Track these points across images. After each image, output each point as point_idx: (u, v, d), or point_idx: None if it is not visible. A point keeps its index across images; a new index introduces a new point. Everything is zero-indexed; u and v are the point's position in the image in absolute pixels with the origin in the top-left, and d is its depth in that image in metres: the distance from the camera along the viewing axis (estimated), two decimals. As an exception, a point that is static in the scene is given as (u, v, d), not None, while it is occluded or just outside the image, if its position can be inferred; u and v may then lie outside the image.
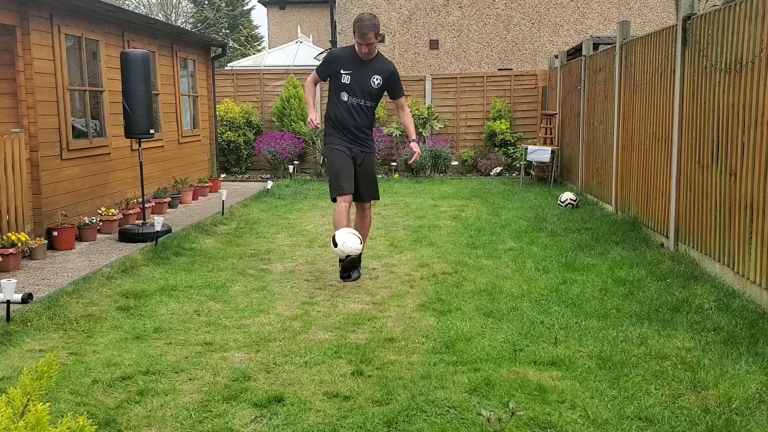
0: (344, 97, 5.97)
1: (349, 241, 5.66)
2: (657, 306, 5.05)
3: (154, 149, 10.05)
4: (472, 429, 3.23)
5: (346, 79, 5.94)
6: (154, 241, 7.49)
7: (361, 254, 6.00)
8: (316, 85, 6.36)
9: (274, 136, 14.35)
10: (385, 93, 6.16)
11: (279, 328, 4.78)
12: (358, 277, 5.95)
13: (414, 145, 6.18)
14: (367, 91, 5.97)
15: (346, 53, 6.05)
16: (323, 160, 14.36)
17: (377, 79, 5.97)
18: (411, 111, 14.76)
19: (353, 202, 6.08)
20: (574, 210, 9.58)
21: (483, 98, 15.11)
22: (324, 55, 6.09)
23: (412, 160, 6.24)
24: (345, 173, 5.92)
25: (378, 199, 6.36)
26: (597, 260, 6.51)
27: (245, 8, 37.00)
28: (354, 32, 5.85)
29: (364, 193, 6.13)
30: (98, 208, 8.33)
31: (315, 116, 6.04)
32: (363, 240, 6.05)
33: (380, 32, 5.98)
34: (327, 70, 6.12)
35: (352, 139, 6.02)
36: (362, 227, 6.19)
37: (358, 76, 5.94)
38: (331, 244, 5.78)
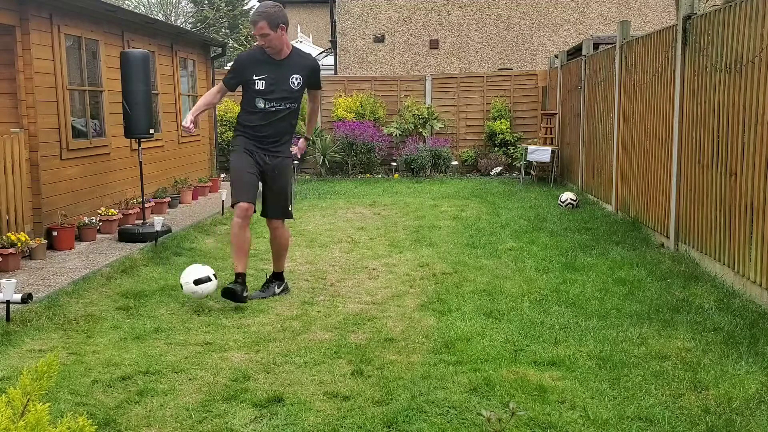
0: (260, 104, 5.29)
1: (197, 282, 5.17)
2: (657, 306, 5.05)
3: (153, 149, 10.04)
4: (472, 429, 3.22)
5: (260, 85, 5.25)
6: (153, 241, 7.49)
7: (280, 274, 5.67)
8: (220, 94, 5.54)
9: (274, 136, 14.34)
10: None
11: (279, 328, 4.78)
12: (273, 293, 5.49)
13: (302, 142, 5.72)
14: (286, 94, 5.32)
15: (257, 55, 5.34)
16: (323, 160, 14.37)
17: (297, 79, 5.33)
18: (411, 111, 14.82)
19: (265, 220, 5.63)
20: (575, 210, 9.58)
21: (483, 98, 15.11)
22: (237, 60, 5.52)
23: (295, 152, 5.63)
24: (248, 180, 5.30)
25: (289, 218, 5.66)
26: (597, 260, 6.51)
27: (245, 8, 36.99)
28: None
29: (273, 209, 5.55)
30: (98, 208, 8.33)
31: (191, 120, 5.32)
32: (280, 258, 5.68)
33: (283, 23, 5.17)
34: (237, 78, 5.40)
35: (264, 148, 5.38)
36: (276, 245, 5.66)
37: (274, 79, 5.27)
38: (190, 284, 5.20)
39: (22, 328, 4.71)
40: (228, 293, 5.21)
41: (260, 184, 5.51)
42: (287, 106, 5.34)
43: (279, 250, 5.69)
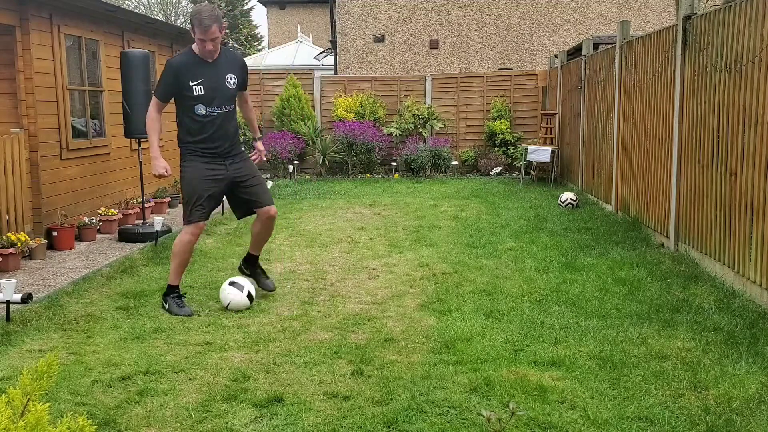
0: (200, 110, 5.08)
1: (233, 296, 5.16)
2: (657, 306, 5.05)
3: (154, 149, 10.04)
4: (472, 429, 3.23)
5: (198, 90, 5.05)
6: (153, 241, 7.49)
7: (257, 257, 5.61)
8: (161, 113, 5.26)
9: (273, 136, 14.35)
10: None
11: (279, 328, 4.78)
12: (273, 287, 5.53)
13: (259, 144, 5.61)
14: (225, 95, 5.15)
15: (188, 59, 5.11)
16: (323, 160, 14.37)
17: (232, 78, 5.19)
18: (411, 111, 14.82)
19: (256, 213, 5.49)
20: (575, 210, 9.58)
21: (483, 98, 15.11)
22: (170, 68, 5.13)
23: (257, 159, 5.57)
24: (208, 197, 5.20)
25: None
26: (597, 260, 6.50)
27: (245, 8, 37.02)
28: (193, 29, 4.99)
29: (264, 197, 5.41)
30: (98, 208, 8.33)
31: (163, 164, 5.23)
32: (261, 247, 5.67)
33: (224, 26, 5.14)
34: (172, 88, 5.12)
35: (219, 154, 5.20)
36: (268, 235, 5.63)
37: (211, 83, 5.09)
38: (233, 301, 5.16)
39: (22, 328, 4.71)
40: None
41: (228, 194, 5.42)
42: (227, 108, 5.18)
43: (269, 236, 5.69)
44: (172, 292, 5.24)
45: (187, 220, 5.25)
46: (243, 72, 5.33)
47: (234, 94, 5.27)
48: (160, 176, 5.25)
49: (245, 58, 23.83)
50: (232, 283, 5.23)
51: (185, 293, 5.39)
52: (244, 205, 5.47)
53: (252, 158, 5.55)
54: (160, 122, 5.34)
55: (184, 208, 5.33)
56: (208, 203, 5.23)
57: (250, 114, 5.65)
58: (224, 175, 5.23)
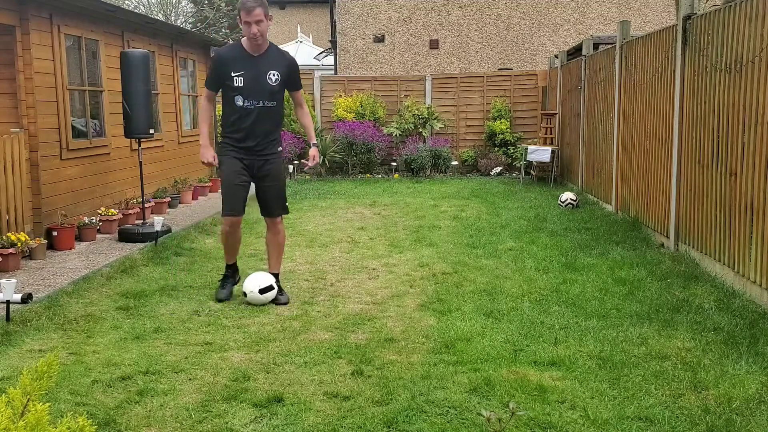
0: (239, 101, 5.17)
1: (256, 284, 5.32)
2: (657, 306, 5.05)
3: (153, 149, 10.04)
4: (472, 429, 3.23)
5: (238, 81, 5.14)
6: (153, 241, 7.49)
7: (278, 275, 5.54)
8: (212, 102, 5.48)
9: (274, 136, 14.34)
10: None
11: (279, 328, 4.78)
12: (286, 302, 5.40)
13: (314, 150, 5.50)
14: (265, 91, 5.19)
15: (234, 51, 5.22)
16: (323, 160, 14.37)
17: (275, 75, 5.20)
18: (411, 111, 14.82)
19: (264, 219, 5.61)
20: (575, 210, 9.58)
21: (483, 98, 15.11)
22: (216, 58, 5.31)
23: (309, 165, 5.57)
24: (236, 192, 5.31)
25: (287, 213, 5.65)
26: (597, 260, 6.51)
27: (245, 8, 36.89)
28: (239, 15, 5.06)
29: (273, 207, 5.50)
30: (98, 208, 8.33)
31: (211, 153, 5.34)
32: (279, 258, 5.63)
33: (270, 12, 5.14)
34: (218, 78, 5.26)
35: (251, 149, 5.27)
36: (276, 244, 5.58)
37: (252, 76, 5.15)
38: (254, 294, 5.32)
39: (22, 328, 4.71)
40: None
41: (252, 186, 5.49)
42: (266, 104, 5.21)
43: (280, 247, 5.67)
44: (226, 270, 5.70)
45: (222, 212, 5.45)
46: (290, 70, 5.32)
47: (275, 91, 5.25)
48: (208, 164, 5.39)
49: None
50: (262, 291, 5.37)
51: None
52: (261, 204, 5.61)
53: (304, 162, 5.73)
54: (210, 111, 5.51)
55: (222, 198, 5.49)
56: (240, 196, 5.37)
57: (304, 119, 5.64)
58: (254, 167, 5.37)
